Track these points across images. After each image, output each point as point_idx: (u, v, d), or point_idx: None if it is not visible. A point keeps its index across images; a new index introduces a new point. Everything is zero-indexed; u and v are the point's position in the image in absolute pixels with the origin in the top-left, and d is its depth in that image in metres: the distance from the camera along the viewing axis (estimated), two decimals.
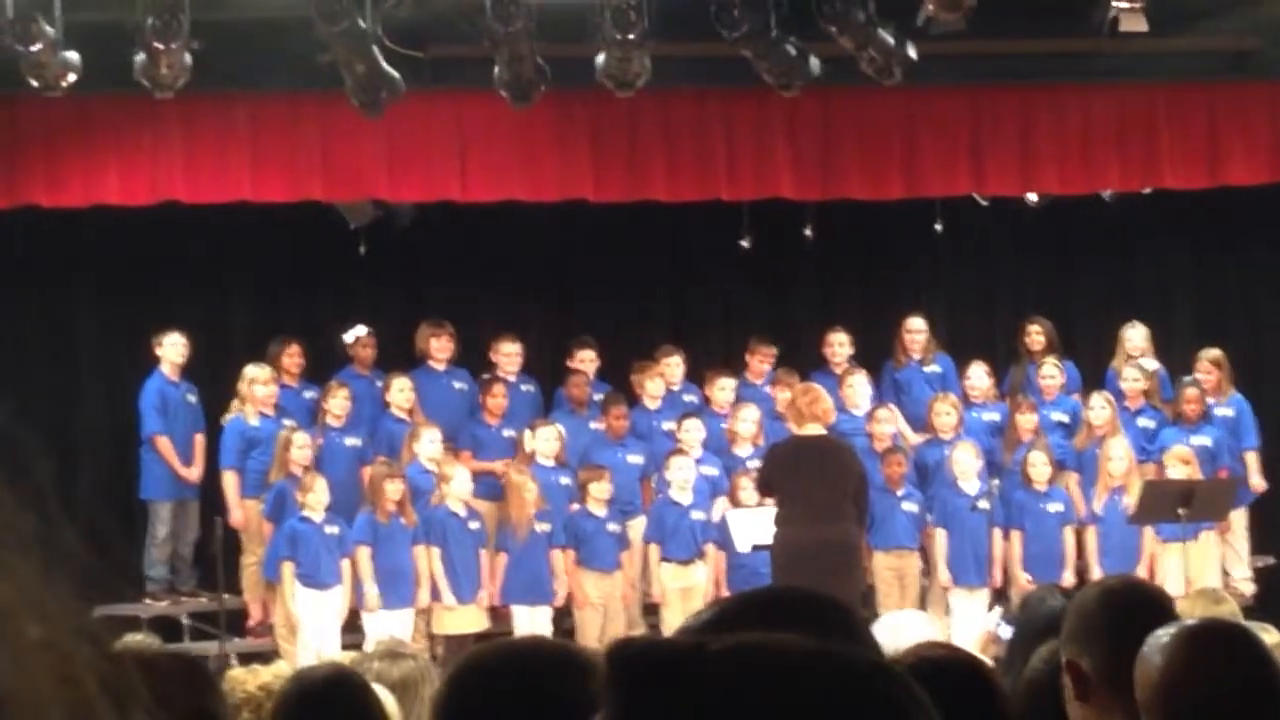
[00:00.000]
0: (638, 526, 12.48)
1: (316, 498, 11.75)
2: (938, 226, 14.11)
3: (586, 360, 13.29)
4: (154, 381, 12.59)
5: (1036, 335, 13.69)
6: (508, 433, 12.77)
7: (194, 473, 12.64)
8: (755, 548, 11.58)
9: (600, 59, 11.02)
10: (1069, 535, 12.61)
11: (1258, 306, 14.88)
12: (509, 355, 13.11)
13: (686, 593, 12.20)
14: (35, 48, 10.46)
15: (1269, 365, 14.65)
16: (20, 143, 12.16)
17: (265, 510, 12.12)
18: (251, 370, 12.47)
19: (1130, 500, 12.27)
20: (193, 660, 3.33)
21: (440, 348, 13.06)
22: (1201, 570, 12.15)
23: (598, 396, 13.07)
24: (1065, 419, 13.27)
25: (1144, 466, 12.77)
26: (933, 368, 13.65)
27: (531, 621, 11.88)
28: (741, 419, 12.79)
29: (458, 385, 13.12)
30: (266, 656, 9.70)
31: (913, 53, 11.31)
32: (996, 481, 12.74)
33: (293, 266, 13.86)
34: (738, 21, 10.93)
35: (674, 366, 13.32)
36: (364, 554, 11.81)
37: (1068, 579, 11.93)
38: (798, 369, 13.17)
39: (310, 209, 12.75)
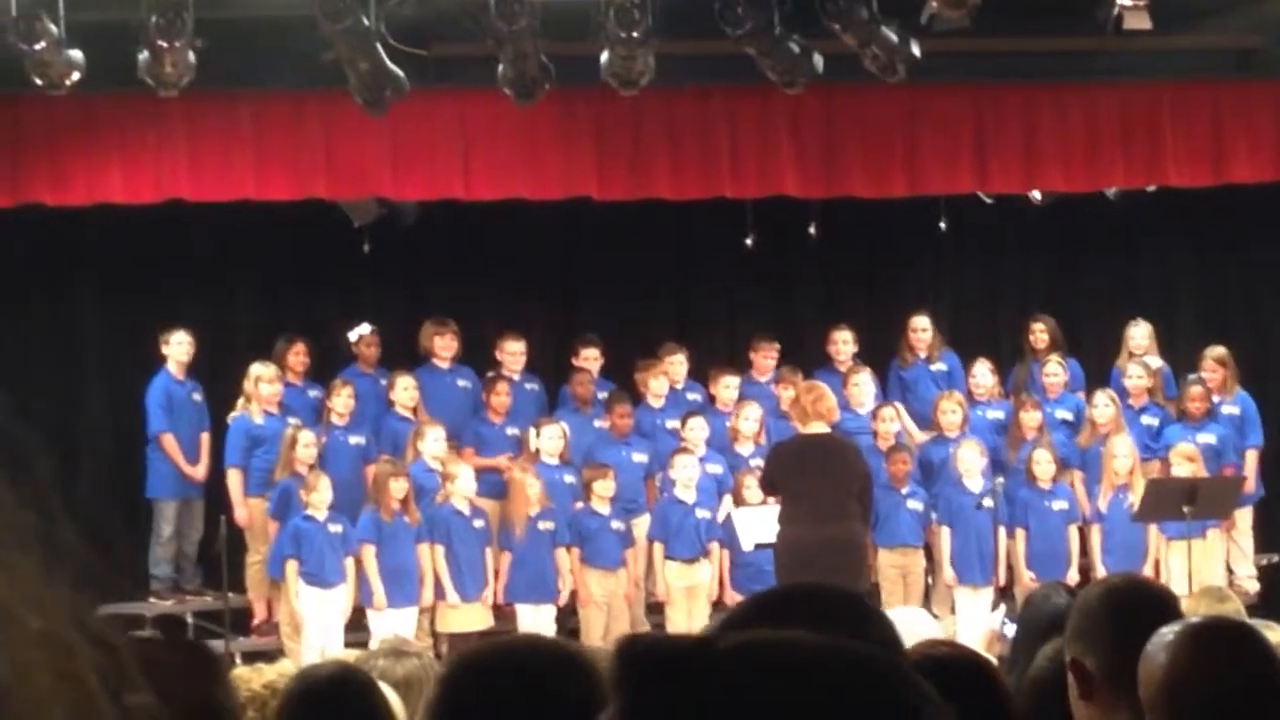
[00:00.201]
0: (642, 525, 12.48)
1: (320, 496, 11.75)
2: (942, 225, 14.11)
3: (590, 358, 13.29)
4: (160, 380, 12.59)
5: (1041, 333, 13.68)
6: (512, 431, 12.78)
7: (200, 471, 12.65)
8: (759, 546, 11.58)
9: (604, 57, 11.02)
10: (1073, 533, 12.60)
11: (1261, 304, 14.87)
12: (513, 353, 13.11)
13: (691, 591, 12.21)
14: (39, 46, 10.46)
15: (1273, 363, 14.64)
16: (24, 141, 12.16)
17: (270, 509, 12.12)
18: (257, 368, 12.47)
19: (1134, 498, 12.26)
20: (201, 650, 3.26)
21: (444, 346, 13.06)
22: (1206, 568, 12.14)
23: (602, 395, 13.07)
24: (1069, 417, 13.27)
25: (1148, 464, 12.77)
26: (939, 366, 13.65)
27: (536, 620, 11.88)
28: (744, 417, 12.78)
29: (462, 383, 13.12)
30: (271, 655, 9.69)
31: (916, 50, 11.30)
32: (1001, 479, 12.73)
33: (297, 265, 13.86)
34: (741, 19, 10.92)
35: (678, 365, 13.32)
36: (368, 552, 11.82)
37: (1072, 577, 11.93)
38: (802, 367, 13.17)
39: (314, 207, 12.75)
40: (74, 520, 0.97)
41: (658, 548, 12.34)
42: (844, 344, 13.45)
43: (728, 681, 1.23)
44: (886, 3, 11.12)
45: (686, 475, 12.24)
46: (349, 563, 11.80)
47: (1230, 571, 12.85)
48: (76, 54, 10.65)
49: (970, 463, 12.48)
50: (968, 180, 13.23)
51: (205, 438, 12.71)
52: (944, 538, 12.50)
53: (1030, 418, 12.89)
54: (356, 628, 11.74)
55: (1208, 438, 12.84)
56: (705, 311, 14.77)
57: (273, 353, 12.75)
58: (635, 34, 10.74)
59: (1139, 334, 13.59)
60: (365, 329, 13.18)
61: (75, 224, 12.88)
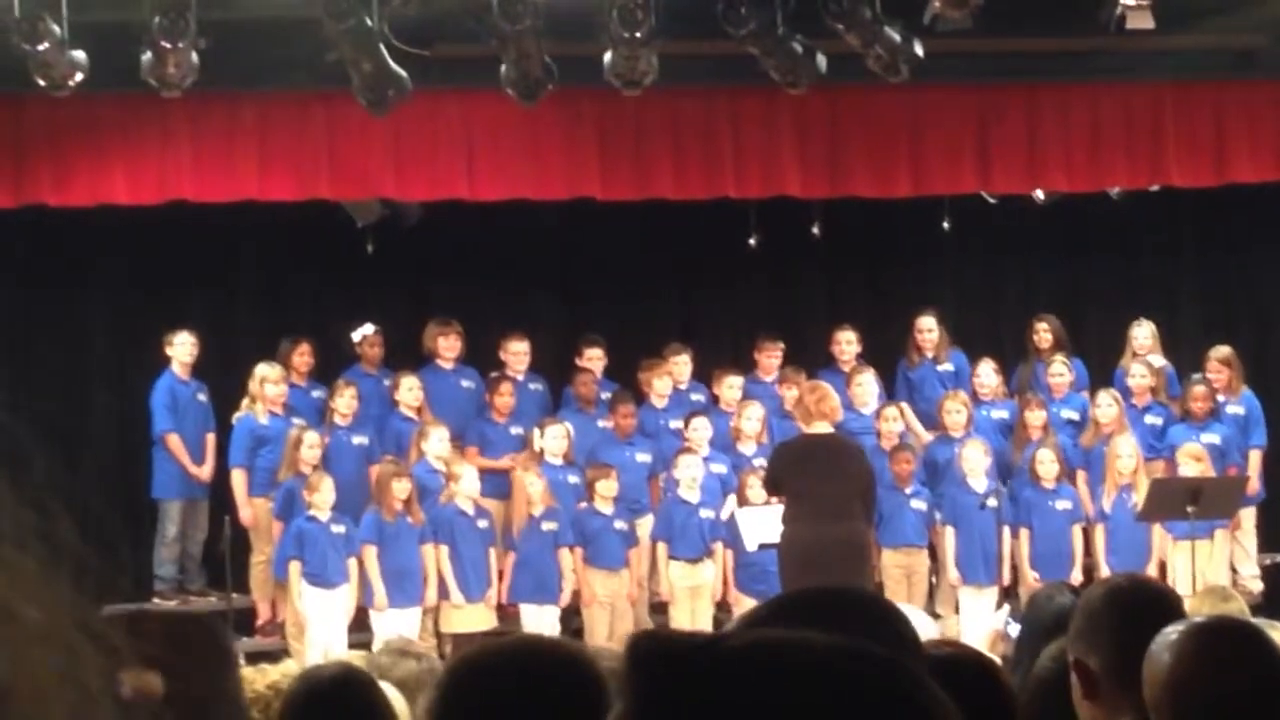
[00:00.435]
0: (645, 525, 12.48)
1: (323, 497, 11.75)
2: (945, 224, 14.11)
3: (594, 359, 13.30)
4: (164, 380, 12.60)
5: (1044, 333, 13.68)
6: (515, 431, 12.78)
7: (205, 471, 12.65)
8: (763, 546, 11.57)
9: (607, 57, 11.01)
10: (1077, 533, 12.60)
11: (1264, 304, 14.86)
12: (516, 354, 13.12)
13: (695, 591, 12.21)
14: (42, 47, 10.45)
15: (1275, 362, 14.63)
16: (27, 142, 12.16)
17: (275, 509, 12.11)
18: (263, 369, 12.47)
19: (1138, 498, 12.25)
20: (217, 634, 3.01)
21: (448, 346, 13.06)
22: (1211, 569, 12.14)
23: (605, 395, 13.07)
24: (1075, 416, 13.25)
25: (1151, 464, 12.76)
26: (946, 366, 13.64)
27: (539, 620, 11.88)
28: (746, 417, 12.78)
29: (465, 384, 13.12)
30: (275, 655, 9.67)
31: (919, 50, 11.30)
32: (1007, 481, 12.72)
33: (300, 265, 13.87)
34: (744, 19, 10.92)
35: (682, 365, 13.32)
36: (371, 553, 11.82)
37: (1076, 577, 11.92)
38: (805, 367, 13.17)
39: (317, 208, 12.75)
40: (79, 521, 0.97)
41: (661, 548, 12.34)
42: (847, 344, 13.45)
43: (736, 679, 1.22)
44: (889, 3, 11.12)
45: (690, 475, 12.24)
46: (352, 563, 11.81)
47: (1234, 571, 12.83)
48: (79, 55, 10.65)
49: (975, 462, 12.47)
50: (971, 180, 13.23)
51: (210, 438, 12.71)
52: (948, 537, 12.49)
53: (1035, 417, 12.88)
54: (361, 628, 11.74)
55: (1212, 437, 12.83)
56: (709, 311, 14.78)
57: (277, 353, 12.76)
58: (638, 34, 10.74)
59: (1142, 333, 13.59)
60: (369, 329, 13.19)
61: (79, 225, 12.87)
